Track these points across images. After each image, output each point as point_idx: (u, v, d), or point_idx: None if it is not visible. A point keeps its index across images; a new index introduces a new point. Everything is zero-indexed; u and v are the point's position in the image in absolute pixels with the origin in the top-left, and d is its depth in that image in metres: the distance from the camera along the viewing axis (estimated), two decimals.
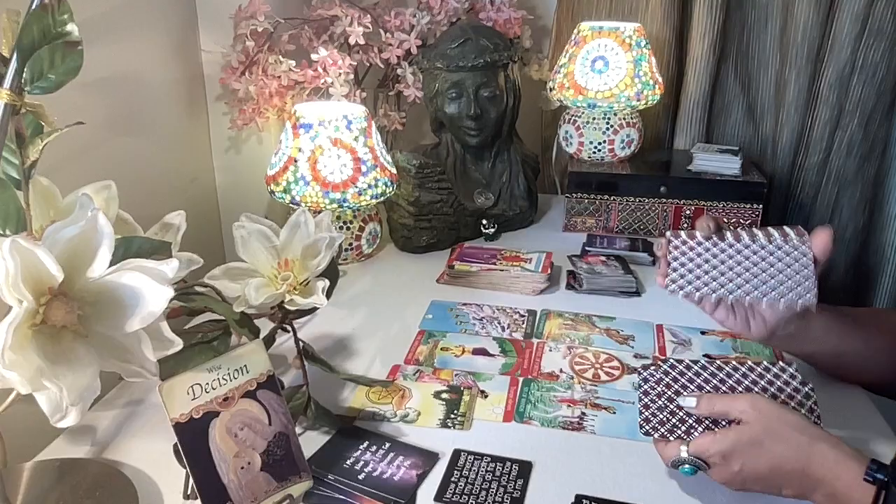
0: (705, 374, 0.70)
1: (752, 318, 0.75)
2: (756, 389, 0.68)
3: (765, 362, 0.70)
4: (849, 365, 0.80)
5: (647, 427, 0.67)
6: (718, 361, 0.72)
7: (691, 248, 0.74)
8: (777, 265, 0.71)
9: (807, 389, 0.68)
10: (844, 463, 0.58)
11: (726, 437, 0.62)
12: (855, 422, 0.77)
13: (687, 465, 0.63)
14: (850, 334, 0.77)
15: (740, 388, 0.68)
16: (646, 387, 0.71)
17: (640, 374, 0.73)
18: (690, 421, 0.66)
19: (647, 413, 0.68)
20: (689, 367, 0.70)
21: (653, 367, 0.72)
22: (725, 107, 1.46)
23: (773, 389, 0.68)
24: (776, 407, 0.62)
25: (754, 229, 0.75)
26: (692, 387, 0.69)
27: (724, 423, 0.65)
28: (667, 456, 0.65)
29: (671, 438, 0.66)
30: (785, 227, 0.74)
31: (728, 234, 0.75)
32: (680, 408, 0.67)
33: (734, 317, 0.75)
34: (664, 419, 0.67)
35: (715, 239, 0.74)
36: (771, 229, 0.74)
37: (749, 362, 0.71)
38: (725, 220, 1.26)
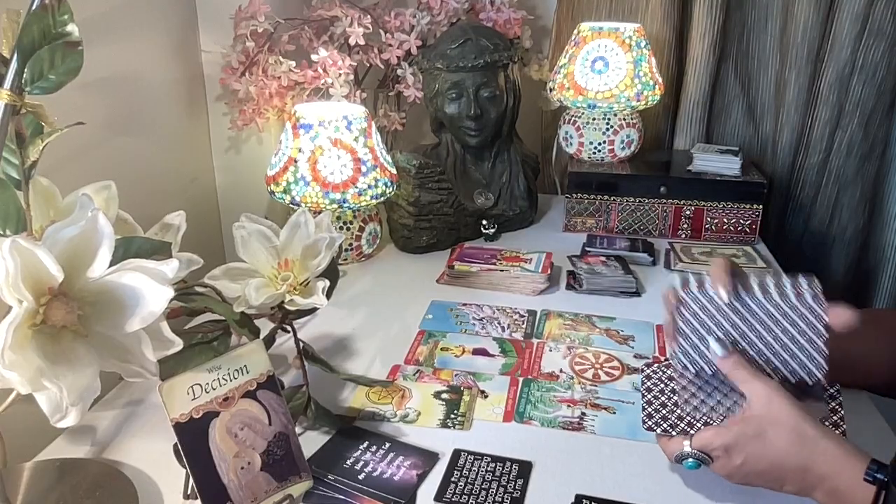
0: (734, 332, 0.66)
1: None
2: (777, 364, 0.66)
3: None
4: (854, 370, 0.80)
5: (650, 423, 0.67)
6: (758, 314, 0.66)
7: (702, 309, 0.67)
8: (789, 332, 0.66)
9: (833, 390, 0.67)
10: (847, 461, 0.58)
11: (730, 430, 0.62)
12: (855, 422, 0.77)
13: (690, 460, 0.63)
14: (853, 339, 0.77)
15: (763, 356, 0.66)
16: (649, 384, 0.71)
17: (642, 371, 0.73)
18: (692, 417, 0.66)
19: (649, 409, 0.68)
20: (717, 311, 0.66)
21: (656, 365, 0.72)
22: (725, 107, 1.46)
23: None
24: (788, 401, 0.61)
25: (767, 280, 0.68)
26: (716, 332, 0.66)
27: (724, 417, 0.64)
28: (670, 451, 0.65)
29: (673, 434, 0.66)
30: (800, 279, 0.67)
31: (740, 289, 0.67)
32: (684, 403, 0.66)
33: None
34: (666, 415, 0.67)
35: (728, 301, 0.67)
36: (785, 282, 0.67)
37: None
38: (726, 220, 1.26)
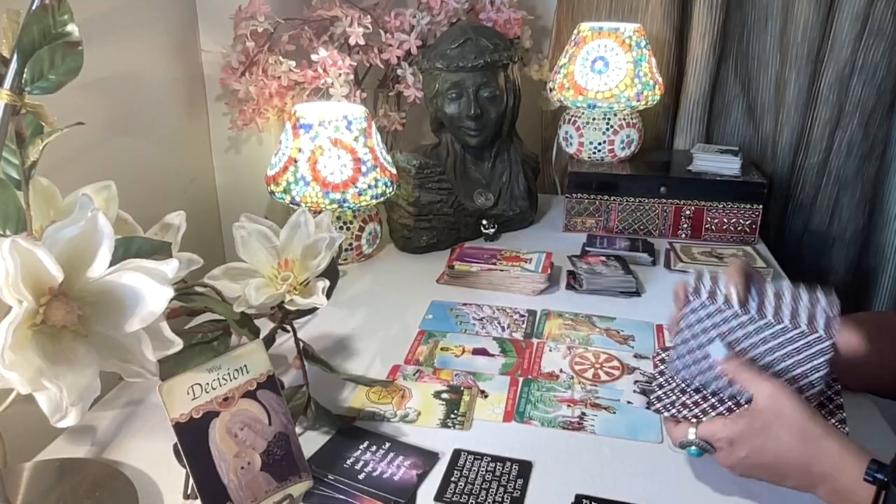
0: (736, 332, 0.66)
1: None
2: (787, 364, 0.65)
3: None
4: (860, 374, 0.79)
5: (659, 405, 0.68)
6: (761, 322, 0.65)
7: (708, 315, 0.66)
8: (794, 356, 0.65)
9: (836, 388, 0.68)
10: (849, 459, 0.58)
11: (736, 423, 0.62)
12: (855, 422, 0.77)
13: (694, 447, 0.64)
14: (858, 341, 0.76)
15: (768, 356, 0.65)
16: (662, 367, 0.71)
17: (657, 355, 0.74)
18: (702, 405, 0.66)
19: (659, 392, 0.69)
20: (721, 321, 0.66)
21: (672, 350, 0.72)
22: (725, 107, 1.46)
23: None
24: (794, 398, 0.61)
25: (784, 288, 0.66)
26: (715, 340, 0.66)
27: (732, 404, 0.65)
28: (675, 436, 0.66)
29: (680, 418, 0.66)
30: (818, 294, 0.65)
31: (752, 302, 0.66)
32: (695, 391, 0.67)
33: None
34: (675, 400, 0.68)
35: (737, 309, 0.65)
36: (802, 300, 0.65)
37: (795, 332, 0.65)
38: (726, 220, 1.26)
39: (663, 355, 0.72)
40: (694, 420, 0.65)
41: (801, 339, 0.64)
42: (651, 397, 0.69)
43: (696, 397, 0.67)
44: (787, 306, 0.65)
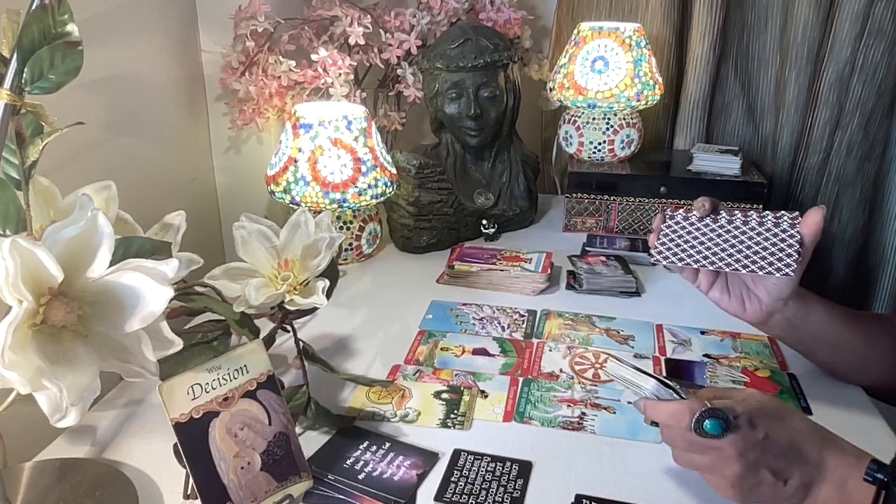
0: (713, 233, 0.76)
1: (748, 300, 0.75)
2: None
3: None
4: (848, 362, 0.80)
5: (659, 256, 0.76)
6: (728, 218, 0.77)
7: (682, 226, 0.78)
8: (763, 243, 0.73)
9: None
10: (850, 458, 0.59)
11: (749, 402, 0.60)
12: (855, 422, 0.77)
13: (712, 420, 0.58)
14: (851, 328, 0.77)
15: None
16: (669, 221, 0.79)
17: (665, 211, 0.81)
18: (704, 251, 0.74)
19: (665, 239, 0.77)
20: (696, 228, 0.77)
21: (681, 210, 0.79)
22: (725, 107, 1.46)
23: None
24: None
25: (751, 213, 0.77)
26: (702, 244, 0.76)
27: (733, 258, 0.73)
28: (693, 409, 0.59)
29: (679, 264, 0.74)
30: (783, 212, 0.75)
31: (722, 214, 0.78)
32: (697, 243, 0.75)
33: (728, 296, 0.76)
34: (679, 245, 0.75)
35: (707, 220, 0.77)
36: (767, 213, 0.76)
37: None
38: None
39: (669, 211, 0.80)
40: (699, 261, 0.73)
41: (768, 232, 0.73)
42: (656, 243, 0.77)
43: (699, 247, 0.75)
44: (755, 216, 0.76)
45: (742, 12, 1.39)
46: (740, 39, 1.41)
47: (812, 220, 0.72)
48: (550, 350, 0.92)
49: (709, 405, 0.59)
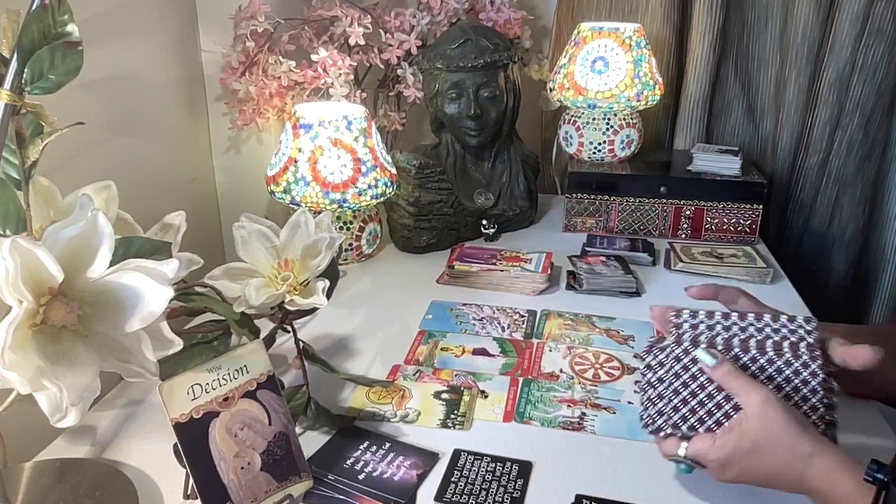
0: (724, 334, 0.67)
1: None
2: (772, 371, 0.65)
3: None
4: (870, 382, 0.78)
5: (652, 427, 0.66)
6: (741, 324, 0.68)
7: (693, 327, 0.69)
8: (785, 382, 0.64)
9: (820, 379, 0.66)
10: (841, 474, 0.57)
11: (724, 445, 0.61)
12: (856, 422, 0.77)
13: (683, 465, 0.64)
14: (866, 354, 0.75)
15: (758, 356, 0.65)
16: (649, 375, 0.68)
17: (642, 359, 0.70)
18: (692, 420, 0.64)
19: (650, 408, 0.66)
20: (703, 331, 0.68)
21: (658, 350, 0.69)
22: (725, 107, 1.46)
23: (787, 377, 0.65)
24: (784, 412, 0.60)
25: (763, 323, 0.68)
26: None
27: (724, 416, 0.63)
28: (665, 451, 0.65)
29: (669, 431, 0.64)
30: (800, 339, 0.66)
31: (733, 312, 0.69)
32: (684, 401, 0.65)
33: None
34: (661, 410, 0.65)
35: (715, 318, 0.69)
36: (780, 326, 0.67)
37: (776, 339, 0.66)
38: (726, 220, 1.26)
39: (647, 361, 0.69)
40: (688, 434, 0.63)
41: (787, 368, 0.64)
42: (640, 411, 0.67)
43: (685, 410, 0.64)
44: (771, 348, 0.65)
45: (742, 12, 1.39)
46: (740, 39, 1.41)
47: (863, 361, 0.64)
48: (550, 350, 0.92)
49: (682, 454, 0.63)
